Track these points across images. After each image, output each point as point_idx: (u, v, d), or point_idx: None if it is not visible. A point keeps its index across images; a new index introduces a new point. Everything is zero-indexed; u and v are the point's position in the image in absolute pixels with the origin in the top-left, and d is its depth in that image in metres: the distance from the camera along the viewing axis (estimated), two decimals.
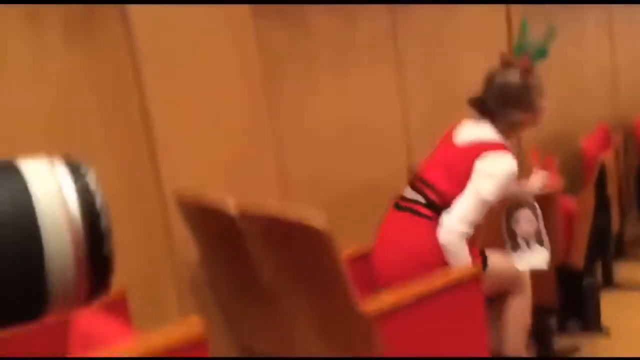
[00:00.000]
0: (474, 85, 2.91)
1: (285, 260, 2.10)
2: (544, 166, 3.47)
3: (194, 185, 2.67)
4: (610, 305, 2.92)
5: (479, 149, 2.37)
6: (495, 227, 2.62)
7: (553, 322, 3.06)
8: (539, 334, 2.97)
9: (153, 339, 1.47)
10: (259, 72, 2.88)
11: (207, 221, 2.50)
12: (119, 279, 2.33)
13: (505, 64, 2.47)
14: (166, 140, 2.68)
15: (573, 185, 3.44)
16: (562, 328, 3.16)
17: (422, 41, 3.38)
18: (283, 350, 2.48)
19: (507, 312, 2.46)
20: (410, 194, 2.48)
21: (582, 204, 2.77)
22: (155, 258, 2.71)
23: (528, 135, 3.79)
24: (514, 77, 2.41)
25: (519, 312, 2.51)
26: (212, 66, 2.76)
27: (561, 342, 3.05)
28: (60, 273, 1.01)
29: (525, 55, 2.44)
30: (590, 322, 2.85)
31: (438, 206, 2.38)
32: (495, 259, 2.48)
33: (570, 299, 2.79)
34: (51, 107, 2.39)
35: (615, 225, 3.69)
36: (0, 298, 1.00)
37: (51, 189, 1.02)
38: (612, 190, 3.56)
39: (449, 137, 2.51)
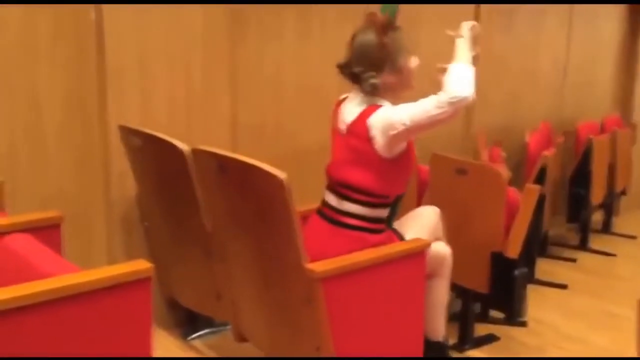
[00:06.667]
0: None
1: (236, 206, 2.01)
2: (491, 156, 3.50)
3: (142, 120, 2.56)
4: (529, 299, 2.98)
5: (362, 121, 2.18)
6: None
7: (476, 308, 3.10)
8: (462, 318, 3.00)
9: (98, 274, 1.44)
10: (223, 15, 2.76)
11: (153, 157, 2.38)
12: (54, 204, 2.23)
13: (368, 22, 2.25)
14: (118, 69, 2.54)
15: (516, 178, 3.48)
16: (484, 315, 3.20)
17: None
18: (211, 304, 2.41)
19: (428, 294, 2.36)
20: (333, 200, 2.28)
21: (525, 197, 2.79)
22: (90, 188, 2.58)
23: (478, 121, 3.82)
24: (370, 36, 2.20)
25: (440, 294, 2.48)
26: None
27: (482, 330, 3.09)
28: None
29: (384, 14, 2.24)
30: (515, 313, 2.89)
31: (371, 203, 2.22)
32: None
33: (499, 287, 2.82)
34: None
35: (545, 224, 3.77)
36: None
37: None
38: (548, 189, 3.63)
39: (334, 125, 2.33)
